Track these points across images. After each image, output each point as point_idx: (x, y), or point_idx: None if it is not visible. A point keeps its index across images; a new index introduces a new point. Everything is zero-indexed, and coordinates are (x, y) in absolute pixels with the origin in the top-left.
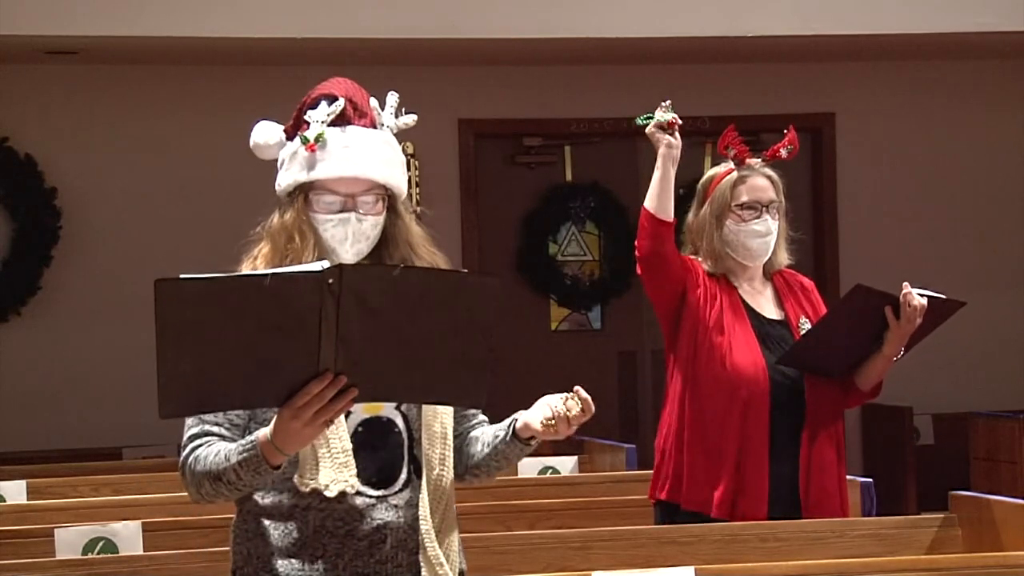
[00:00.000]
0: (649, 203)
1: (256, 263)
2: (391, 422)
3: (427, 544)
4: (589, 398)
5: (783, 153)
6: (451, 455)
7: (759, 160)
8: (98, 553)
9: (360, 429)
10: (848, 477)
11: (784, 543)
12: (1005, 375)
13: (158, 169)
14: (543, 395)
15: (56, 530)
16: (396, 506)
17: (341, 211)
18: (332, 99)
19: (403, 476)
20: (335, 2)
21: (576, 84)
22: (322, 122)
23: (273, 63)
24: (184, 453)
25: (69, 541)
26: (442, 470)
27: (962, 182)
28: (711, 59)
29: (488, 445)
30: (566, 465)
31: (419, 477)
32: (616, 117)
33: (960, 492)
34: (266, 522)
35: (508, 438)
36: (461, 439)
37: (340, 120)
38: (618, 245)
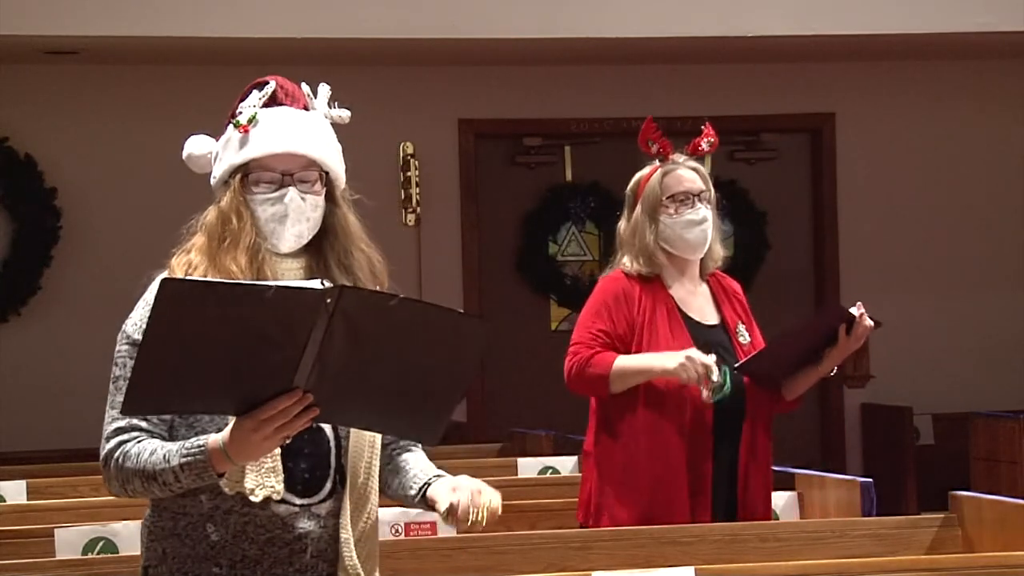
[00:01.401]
0: (615, 380)
1: (190, 256)
2: (319, 429)
3: (345, 554)
4: (497, 511)
5: (704, 146)
6: (377, 464)
7: (683, 155)
8: (98, 553)
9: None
10: (848, 477)
11: (784, 543)
12: (1005, 375)
13: (158, 169)
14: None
15: (56, 530)
16: (319, 516)
17: (279, 188)
18: (264, 86)
19: (328, 485)
20: (335, 2)
21: (576, 84)
22: (254, 105)
23: (273, 63)
24: (109, 446)
25: (69, 541)
26: (367, 479)
27: (962, 182)
28: (711, 59)
29: (401, 488)
30: (566, 465)
31: (343, 487)
32: (616, 117)
33: (960, 492)
34: (183, 522)
35: (417, 499)
36: (388, 456)
37: (272, 103)
38: None
